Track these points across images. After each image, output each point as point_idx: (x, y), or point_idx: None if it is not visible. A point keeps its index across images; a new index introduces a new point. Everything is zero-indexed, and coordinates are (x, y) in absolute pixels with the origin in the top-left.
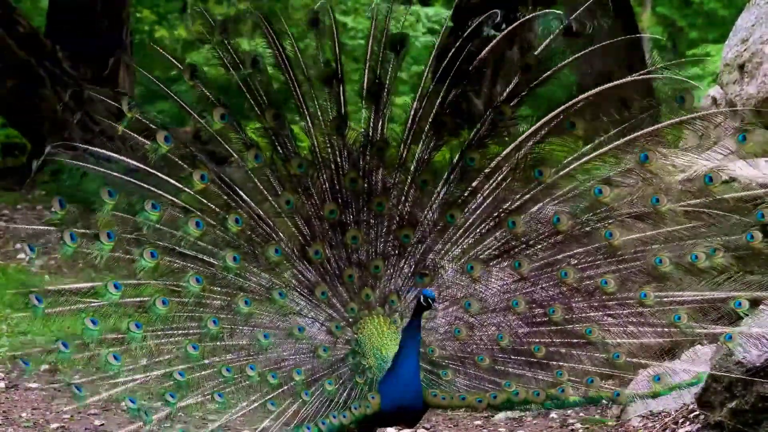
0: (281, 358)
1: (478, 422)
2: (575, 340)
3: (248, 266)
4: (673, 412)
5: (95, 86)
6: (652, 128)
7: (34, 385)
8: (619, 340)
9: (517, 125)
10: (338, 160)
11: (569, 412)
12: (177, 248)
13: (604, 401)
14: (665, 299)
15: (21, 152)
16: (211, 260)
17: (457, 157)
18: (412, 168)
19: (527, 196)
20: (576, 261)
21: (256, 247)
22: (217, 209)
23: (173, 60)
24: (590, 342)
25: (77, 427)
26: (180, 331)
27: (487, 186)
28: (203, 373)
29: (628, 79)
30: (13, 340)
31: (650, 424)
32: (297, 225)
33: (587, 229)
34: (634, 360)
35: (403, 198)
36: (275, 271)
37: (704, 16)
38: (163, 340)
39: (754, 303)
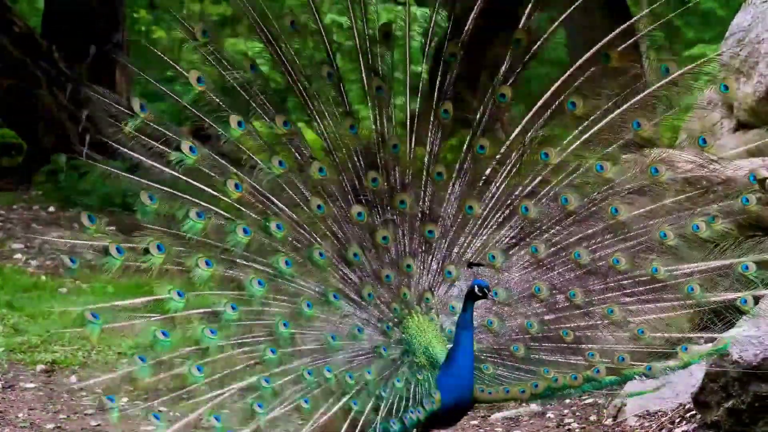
0: (350, 359)
1: (475, 422)
2: (599, 321)
3: (300, 271)
4: (669, 412)
5: (93, 86)
6: (642, 95)
7: (30, 386)
8: (639, 318)
9: (513, 104)
10: (355, 160)
11: (565, 411)
12: (230, 257)
13: (637, 378)
14: (676, 272)
15: (17, 152)
16: (265, 268)
17: (466, 146)
18: (426, 162)
19: (537, 180)
20: (586, 242)
21: (300, 252)
22: (257, 216)
23: (177, 67)
24: (613, 322)
25: (73, 428)
26: (254, 337)
27: (499, 174)
28: (286, 379)
29: (611, 36)
30: (9, 340)
31: (647, 424)
32: (331, 229)
33: (594, 208)
34: (658, 334)
35: (422, 193)
36: (323, 274)
37: (700, 16)
38: (239, 349)
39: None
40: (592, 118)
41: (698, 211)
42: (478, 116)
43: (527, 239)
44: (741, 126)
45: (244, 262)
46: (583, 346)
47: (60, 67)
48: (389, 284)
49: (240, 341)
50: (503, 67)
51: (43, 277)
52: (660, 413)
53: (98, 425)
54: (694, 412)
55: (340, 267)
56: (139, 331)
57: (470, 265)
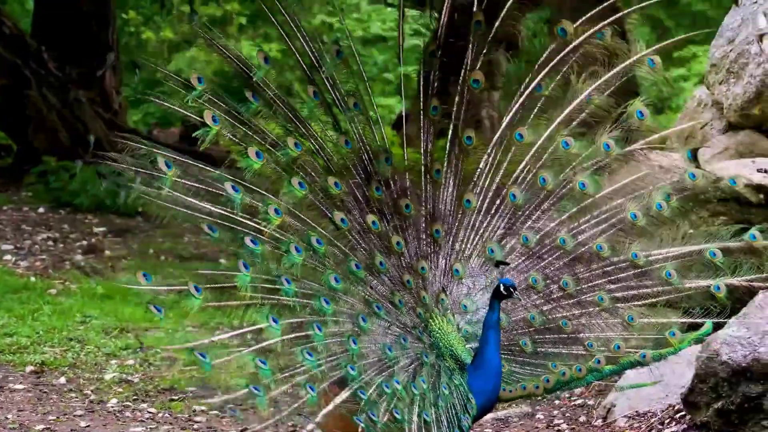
0: (404, 368)
1: None
2: (591, 309)
3: (346, 286)
4: (659, 413)
5: (82, 88)
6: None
7: (19, 387)
8: (627, 304)
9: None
10: (355, 173)
11: (555, 412)
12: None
13: (633, 364)
14: (652, 257)
15: (7, 153)
16: (321, 288)
17: (449, 139)
18: (423, 161)
19: (521, 166)
20: (567, 227)
21: (341, 267)
22: (297, 237)
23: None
24: (604, 309)
25: (63, 429)
26: (336, 356)
27: (487, 163)
28: (372, 391)
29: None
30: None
31: (636, 425)
32: (356, 240)
33: (569, 185)
34: (646, 320)
35: (424, 194)
36: (365, 286)
37: (691, 17)
38: (328, 364)
39: (750, 292)
40: (557, 96)
41: (656, 187)
42: (455, 107)
43: (514, 228)
44: (731, 127)
45: (303, 289)
46: (582, 335)
47: (50, 68)
48: (410, 289)
49: (330, 363)
50: (469, 53)
51: (33, 278)
52: (649, 414)
53: (87, 426)
54: (683, 412)
55: (371, 277)
56: (243, 364)
57: (497, 263)
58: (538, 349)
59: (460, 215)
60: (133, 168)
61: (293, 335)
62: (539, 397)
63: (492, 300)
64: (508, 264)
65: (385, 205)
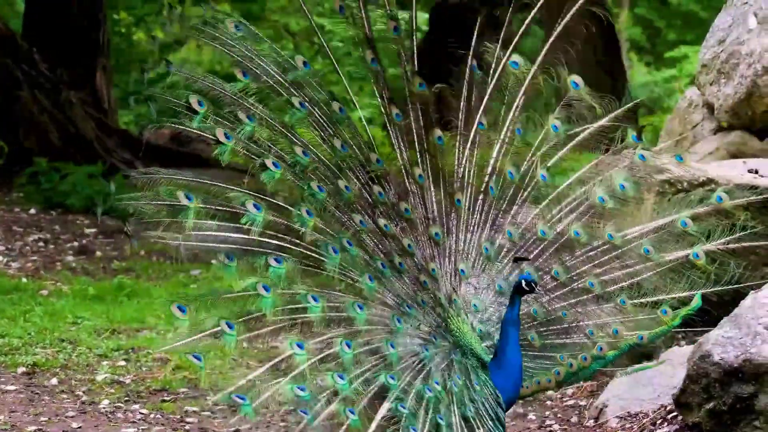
0: (439, 367)
1: None
2: (585, 297)
3: (380, 287)
4: (650, 413)
5: (73, 89)
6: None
7: (11, 388)
8: (616, 286)
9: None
10: (359, 174)
11: (546, 413)
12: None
13: (633, 347)
14: (628, 236)
15: None
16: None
17: (425, 139)
18: (419, 161)
19: (493, 159)
20: (542, 218)
21: (371, 266)
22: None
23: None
24: (596, 294)
25: (55, 430)
26: (369, 367)
27: (461, 161)
28: (412, 398)
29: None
30: None
31: (628, 425)
32: (375, 243)
33: (534, 179)
34: (637, 301)
35: (413, 199)
36: (391, 285)
37: (682, 17)
38: (361, 379)
39: (737, 293)
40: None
41: (618, 170)
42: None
43: (497, 222)
44: (722, 127)
45: (332, 302)
46: (582, 324)
47: (41, 69)
48: (427, 290)
49: (363, 378)
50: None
51: (24, 279)
52: (641, 414)
53: (79, 427)
54: (675, 413)
55: (395, 277)
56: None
57: (516, 260)
58: (545, 342)
59: (453, 215)
60: (156, 203)
61: (321, 355)
62: (552, 391)
63: (513, 296)
64: (528, 260)
65: (390, 208)
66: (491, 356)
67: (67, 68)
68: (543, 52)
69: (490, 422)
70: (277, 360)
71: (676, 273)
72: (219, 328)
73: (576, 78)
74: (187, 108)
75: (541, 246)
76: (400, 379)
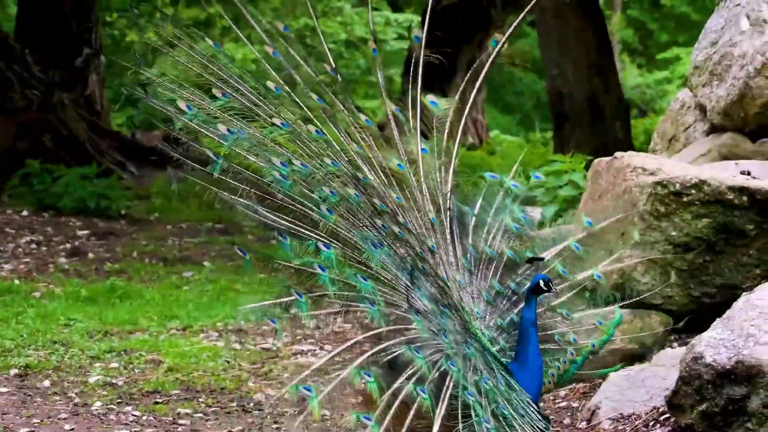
0: (477, 366)
1: None
2: (539, 309)
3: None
4: (643, 415)
5: (65, 91)
6: None
7: (3, 390)
8: (557, 300)
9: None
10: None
11: None
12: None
13: (590, 353)
14: (543, 255)
15: None
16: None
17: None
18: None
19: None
20: (481, 236)
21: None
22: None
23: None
24: (545, 307)
25: None
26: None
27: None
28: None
29: None
30: None
31: (621, 427)
32: (396, 247)
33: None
34: (580, 314)
35: (403, 211)
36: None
37: (675, 19)
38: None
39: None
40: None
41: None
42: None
43: (464, 236)
44: (714, 129)
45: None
46: (550, 331)
47: (33, 71)
48: (448, 294)
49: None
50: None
51: (17, 281)
52: (634, 416)
53: (72, 429)
54: (667, 415)
55: (425, 279)
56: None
57: (530, 260)
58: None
59: (440, 225)
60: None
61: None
62: (550, 392)
63: (529, 296)
64: (542, 259)
65: (396, 215)
66: (508, 360)
67: (60, 70)
68: None
69: (533, 413)
70: (343, 346)
71: (590, 290)
72: (292, 297)
73: (497, 36)
74: (176, 110)
75: (489, 264)
76: (459, 367)
